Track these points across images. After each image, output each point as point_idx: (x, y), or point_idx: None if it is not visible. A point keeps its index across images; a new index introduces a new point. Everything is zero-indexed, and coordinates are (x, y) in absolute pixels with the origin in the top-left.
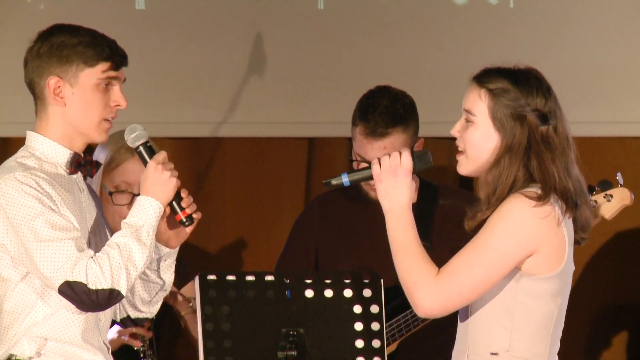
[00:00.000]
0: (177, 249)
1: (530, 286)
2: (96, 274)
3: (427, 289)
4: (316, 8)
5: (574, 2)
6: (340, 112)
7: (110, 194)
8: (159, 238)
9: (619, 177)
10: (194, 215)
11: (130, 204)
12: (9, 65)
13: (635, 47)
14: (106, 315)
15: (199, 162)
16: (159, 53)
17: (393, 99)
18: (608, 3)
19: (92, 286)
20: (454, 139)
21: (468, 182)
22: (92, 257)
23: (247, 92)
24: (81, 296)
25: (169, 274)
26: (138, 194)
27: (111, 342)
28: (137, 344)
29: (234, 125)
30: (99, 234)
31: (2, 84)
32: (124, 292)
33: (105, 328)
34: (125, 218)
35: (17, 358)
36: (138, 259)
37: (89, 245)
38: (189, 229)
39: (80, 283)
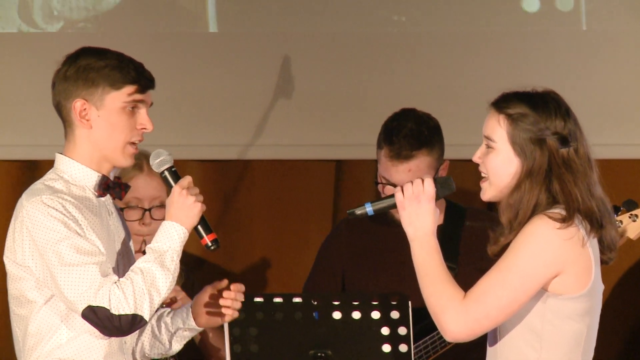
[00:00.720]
0: (201, 329)
1: (558, 306)
2: (119, 300)
3: (454, 313)
4: (344, 32)
5: (596, 25)
6: (368, 134)
7: (122, 209)
8: (194, 311)
9: None
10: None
11: (141, 219)
12: (38, 88)
13: None
14: (132, 337)
15: (227, 184)
16: (186, 76)
17: (418, 121)
18: (632, 26)
19: (115, 311)
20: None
21: (496, 205)
22: (115, 283)
23: (274, 115)
24: (104, 321)
25: (178, 345)
26: (149, 209)
27: None
28: None
29: (262, 147)
30: (127, 256)
31: (30, 106)
32: (147, 317)
33: (130, 351)
34: (136, 233)
35: None
36: (161, 284)
37: (118, 269)
38: (225, 317)
39: (103, 308)
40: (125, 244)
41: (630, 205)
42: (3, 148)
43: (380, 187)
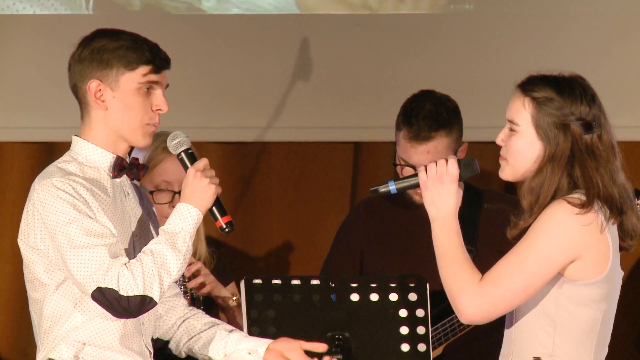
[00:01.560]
0: None
1: (573, 292)
2: (128, 281)
3: (470, 295)
4: (362, 14)
5: (618, 8)
6: (386, 116)
7: (151, 193)
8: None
9: None
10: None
11: (171, 202)
12: (55, 70)
13: None
14: (150, 319)
15: (245, 166)
16: (205, 59)
17: (437, 103)
18: None
19: (123, 292)
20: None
21: (513, 187)
22: (125, 264)
23: (292, 97)
24: (112, 302)
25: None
26: (179, 192)
27: None
28: None
29: (280, 130)
30: (144, 237)
31: (48, 88)
32: (156, 298)
33: (149, 332)
34: (166, 216)
35: None
36: (172, 265)
37: (134, 249)
38: None
39: (112, 289)
40: (142, 225)
41: None
42: (21, 130)
43: (398, 168)
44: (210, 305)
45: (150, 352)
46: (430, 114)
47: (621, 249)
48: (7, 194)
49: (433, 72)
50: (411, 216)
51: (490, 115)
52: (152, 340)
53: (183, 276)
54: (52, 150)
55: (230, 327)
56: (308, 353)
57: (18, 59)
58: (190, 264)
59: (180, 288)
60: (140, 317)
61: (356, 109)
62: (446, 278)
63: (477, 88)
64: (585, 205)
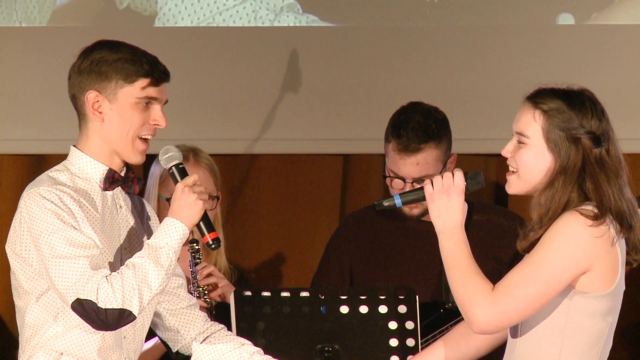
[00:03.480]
0: None
1: (584, 304)
2: (107, 293)
3: (483, 305)
4: (352, 26)
5: (608, 19)
6: (375, 128)
7: (168, 200)
8: None
9: None
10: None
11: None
12: (46, 83)
13: None
14: (135, 334)
15: (234, 178)
16: (194, 71)
17: (425, 114)
18: None
19: (102, 305)
20: (490, 155)
21: (503, 199)
22: (106, 277)
23: (282, 109)
24: (90, 314)
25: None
26: None
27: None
28: None
29: (269, 142)
30: (135, 250)
31: (38, 101)
32: (135, 312)
33: (132, 347)
34: None
35: None
36: (153, 280)
37: (120, 262)
38: None
39: (91, 301)
40: (133, 238)
41: None
42: (11, 142)
43: (388, 180)
44: (226, 312)
45: None
46: (419, 125)
47: (626, 263)
48: None
49: (422, 84)
50: (401, 228)
51: (478, 127)
52: (174, 353)
53: (196, 280)
54: (42, 163)
55: (253, 349)
56: None
57: (9, 71)
58: (203, 267)
59: (194, 294)
60: (122, 331)
61: (345, 121)
62: (458, 288)
63: (464, 99)
64: (598, 218)
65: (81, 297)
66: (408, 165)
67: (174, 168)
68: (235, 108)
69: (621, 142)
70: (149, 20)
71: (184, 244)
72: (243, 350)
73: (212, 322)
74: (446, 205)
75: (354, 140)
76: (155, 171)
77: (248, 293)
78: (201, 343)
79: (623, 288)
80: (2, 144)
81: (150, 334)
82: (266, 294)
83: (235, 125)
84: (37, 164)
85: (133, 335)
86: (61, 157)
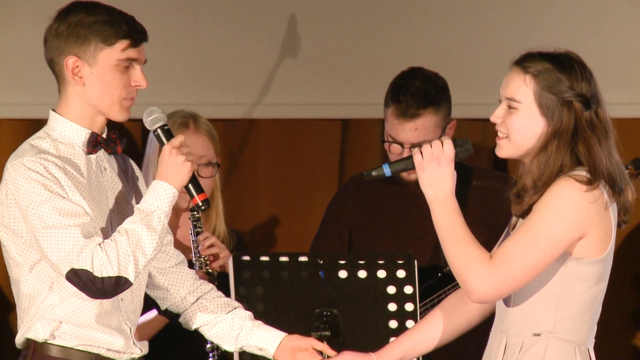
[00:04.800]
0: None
1: (579, 270)
2: (102, 262)
3: (481, 274)
4: None
5: None
6: (374, 93)
7: None
8: (283, 347)
9: None
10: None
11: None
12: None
13: None
14: (132, 295)
15: (233, 143)
16: (193, 35)
17: (425, 80)
18: None
19: (97, 274)
20: (487, 120)
21: (502, 164)
22: (99, 244)
23: (281, 74)
24: (87, 283)
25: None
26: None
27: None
28: None
29: (268, 106)
30: (124, 212)
31: (34, 65)
32: (132, 279)
33: (131, 309)
34: (184, 192)
35: (33, 340)
36: (147, 245)
37: (111, 226)
38: None
39: (86, 270)
40: (121, 200)
41: (637, 164)
42: (8, 107)
43: (386, 145)
44: (226, 281)
45: (130, 328)
46: (418, 91)
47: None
48: None
49: (422, 49)
50: (400, 193)
51: (477, 91)
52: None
53: (198, 250)
54: (39, 127)
55: (244, 313)
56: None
57: (7, 36)
58: (205, 238)
59: (195, 264)
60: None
61: (344, 85)
62: (454, 257)
63: (464, 65)
64: (591, 183)
65: (76, 267)
66: (407, 131)
67: (159, 130)
68: (234, 73)
69: (617, 107)
70: None
71: (184, 211)
72: (234, 314)
73: (202, 282)
74: (437, 174)
75: (353, 105)
76: (154, 140)
77: (247, 258)
78: (192, 304)
79: (613, 251)
80: (1, 109)
81: (148, 307)
82: (265, 258)
83: (234, 90)
84: (35, 128)
85: (131, 297)
86: None
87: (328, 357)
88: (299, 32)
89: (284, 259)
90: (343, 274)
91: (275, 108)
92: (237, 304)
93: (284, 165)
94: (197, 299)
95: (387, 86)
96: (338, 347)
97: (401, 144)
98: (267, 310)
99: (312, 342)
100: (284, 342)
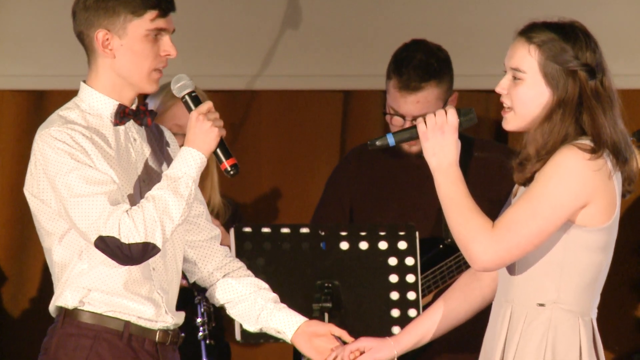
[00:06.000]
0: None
1: (582, 238)
2: (129, 228)
3: (485, 242)
4: None
5: None
6: (376, 65)
7: None
8: (301, 332)
9: None
10: None
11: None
12: (44, 19)
13: None
14: (166, 265)
15: (235, 114)
16: (195, 7)
17: (428, 53)
18: None
19: (124, 240)
20: (489, 91)
21: (503, 136)
22: (126, 211)
23: (282, 45)
24: (115, 250)
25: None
26: None
27: None
28: (186, 284)
29: (270, 78)
30: (154, 181)
31: (38, 37)
32: (159, 244)
33: (164, 278)
34: None
35: (64, 308)
36: (174, 211)
37: (140, 194)
38: None
39: (113, 237)
40: (151, 170)
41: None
42: (11, 78)
43: (388, 117)
44: None
45: (163, 297)
46: (420, 63)
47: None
48: None
49: (424, 21)
50: (401, 164)
51: (479, 63)
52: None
53: None
54: (41, 98)
55: (269, 295)
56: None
57: (9, 9)
58: None
59: None
60: (150, 263)
61: (346, 57)
62: (457, 226)
63: (465, 36)
64: (595, 151)
65: (103, 234)
66: (409, 103)
67: (187, 96)
68: (236, 44)
69: (620, 78)
70: None
71: None
72: (259, 295)
73: (232, 258)
74: (440, 143)
75: (355, 76)
76: (149, 105)
77: (248, 229)
78: (219, 281)
79: (618, 220)
80: (3, 80)
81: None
82: (266, 230)
83: (236, 62)
84: (38, 100)
85: (164, 267)
86: (61, 93)
87: (345, 343)
88: (300, 3)
89: (285, 230)
90: (344, 245)
91: (276, 79)
92: (264, 284)
93: (286, 137)
94: (224, 275)
95: (389, 58)
96: (339, 319)
97: (403, 117)
98: (269, 281)
99: (330, 328)
100: (302, 326)
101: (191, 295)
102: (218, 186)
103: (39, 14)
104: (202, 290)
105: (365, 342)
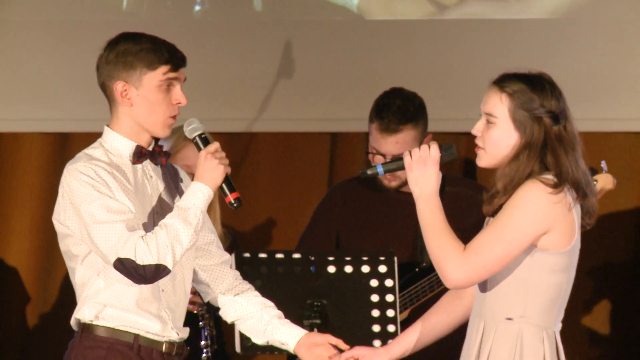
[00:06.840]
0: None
1: (544, 260)
2: (144, 251)
3: (456, 263)
4: (339, 21)
5: (563, 13)
6: (360, 110)
7: None
8: (302, 343)
9: (603, 164)
10: None
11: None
12: (68, 68)
13: (620, 54)
14: (174, 287)
15: (236, 154)
16: (200, 59)
17: (405, 99)
18: (596, 14)
19: (140, 262)
20: (461, 133)
21: (472, 172)
22: (142, 237)
23: (278, 92)
24: (131, 271)
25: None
26: None
27: None
28: (193, 309)
29: (266, 121)
30: (167, 213)
31: (63, 84)
32: (170, 266)
33: (172, 299)
34: None
35: (81, 321)
36: (184, 237)
37: (152, 225)
38: None
39: (130, 259)
40: (164, 203)
41: (590, 172)
42: (39, 122)
43: (370, 156)
44: None
45: (170, 316)
46: (399, 109)
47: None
48: (26, 178)
49: (402, 71)
50: (382, 198)
51: (450, 108)
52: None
53: None
54: (66, 140)
55: (274, 312)
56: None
57: (37, 61)
58: None
59: None
60: (159, 284)
61: (334, 103)
62: (433, 248)
63: (438, 85)
64: (557, 186)
65: (121, 257)
66: (389, 144)
67: (197, 138)
68: (236, 92)
69: (576, 122)
70: (156, 12)
71: None
72: (265, 312)
73: (242, 281)
74: (423, 174)
75: (341, 120)
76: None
77: (247, 255)
78: (230, 301)
79: (579, 247)
80: (31, 124)
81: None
82: (263, 255)
83: (236, 107)
84: (62, 141)
85: (172, 288)
86: (83, 135)
87: (342, 350)
88: (293, 56)
89: (279, 255)
90: (332, 269)
91: (272, 123)
92: (269, 303)
93: (280, 174)
94: (235, 295)
95: (372, 104)
96: (327, 333)
97: (384, 155)
98: None
99: (328, 338)
100: (303, 338)
101: (196, 320)
102: (220, 218)
103: (65, 63)
104: (215, 310)
105: (359, 351)
